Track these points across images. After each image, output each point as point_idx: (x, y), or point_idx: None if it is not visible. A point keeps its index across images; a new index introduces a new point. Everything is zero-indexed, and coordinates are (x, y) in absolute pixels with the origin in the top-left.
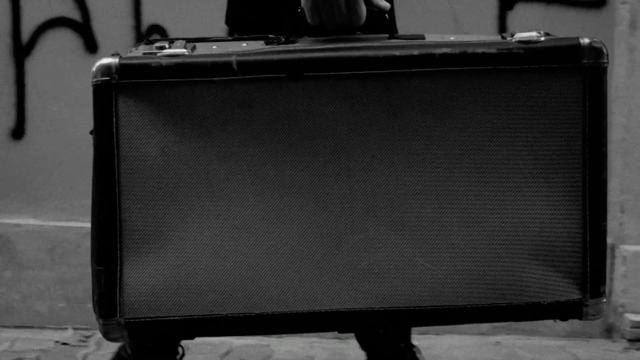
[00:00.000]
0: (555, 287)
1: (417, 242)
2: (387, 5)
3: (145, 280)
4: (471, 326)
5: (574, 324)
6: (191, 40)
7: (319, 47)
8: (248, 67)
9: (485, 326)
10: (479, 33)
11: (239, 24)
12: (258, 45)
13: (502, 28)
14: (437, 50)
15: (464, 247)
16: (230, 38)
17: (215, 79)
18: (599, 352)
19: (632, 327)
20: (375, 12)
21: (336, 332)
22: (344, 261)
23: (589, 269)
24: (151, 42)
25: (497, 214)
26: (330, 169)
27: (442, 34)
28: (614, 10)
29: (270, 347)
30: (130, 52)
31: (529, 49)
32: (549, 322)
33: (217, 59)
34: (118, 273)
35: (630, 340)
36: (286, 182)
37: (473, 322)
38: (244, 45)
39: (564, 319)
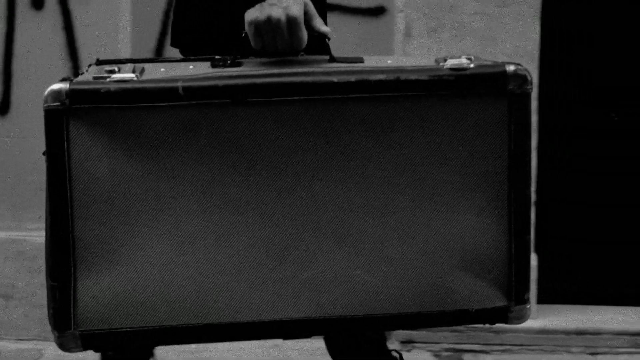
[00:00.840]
0: (482, 294)
1: (355, 254)
2: (327, 29)
3: (97, 294)
4: None
5: None
6: (140, 62)
7: (262, 72)
8: (193, 93)
9: None
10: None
11: (184, 44)
12: (204, 67)
13: None
14: (373, 77)
15: (398, 259)
16: (178, 59)
17: (162, 104)
18: None
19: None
20: (315, 36)
21: None
22: (287, 273)
23: (513, 278)
24: (102, 63)
25: (429, 228)
26: (273, 187)
27: (380, 57)
28: (392, 19)
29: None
30: (81, 73)
31: (459, 76)
32: None
33: (163, 85)
34: (72, 288)
35: (402, 342)
36: (231, 200)
37: (407, 328)
38: (190, 68)
39: (491, 323)
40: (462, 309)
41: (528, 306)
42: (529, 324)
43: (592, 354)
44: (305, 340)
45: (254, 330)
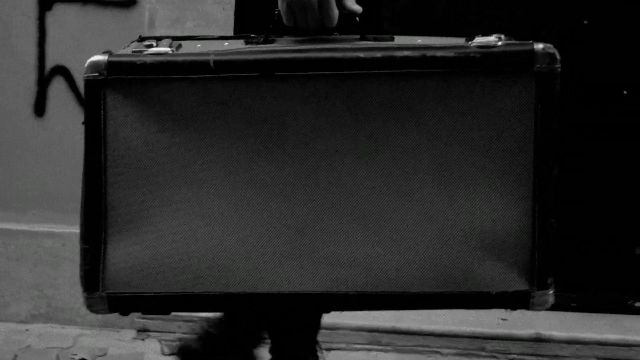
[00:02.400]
0: (504, 278)
1: (375, 233)
2: (358, 8)
3: (126, 258)
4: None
5: (107, 316)
6: (179, 39)
7: (291, 47)
8: (224, 66)
9: (24, 314)
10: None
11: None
12: (238, 44)
13: (43, 29)
14: (399, 53)
15: (418, 239)
16: (215, 37)
17: (193, 76)
18: (109, 342)
19: (139, 318)
20: (346, 14)
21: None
22: (306, 248)
23: (536, 262)
24: (142, 40)
25: (452, 208)
26: (297, 163)
27: (412, 36)
28: (142, 11)
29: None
30: (123, 49)
31: (485, 53)
32: (84, 312)
33: (195, 58)
34: (102, 251)
35: (138, 331)
36: (256, 174)
37: (425, 307)
38: (225, 44)
39: (513, 308)
40: (483, 291)
41: (551, 292)
42: None
43: (328, 349)
44: None
45: (273, 301)
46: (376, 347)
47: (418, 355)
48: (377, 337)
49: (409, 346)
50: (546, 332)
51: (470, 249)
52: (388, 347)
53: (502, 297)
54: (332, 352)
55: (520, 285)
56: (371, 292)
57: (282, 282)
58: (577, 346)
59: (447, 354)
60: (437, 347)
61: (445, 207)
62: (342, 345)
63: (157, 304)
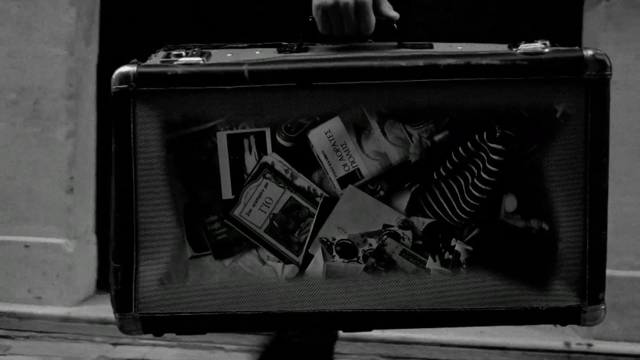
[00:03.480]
0: (554, 293)
1: None
2: (396, 14)
3: (159, 277)
4: None
5: None
6: (207, 48)
7: (328, 56)
8: (259, 76)
9: None
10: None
11: None
12: (271, 52)
13: None
14: (442, 62)
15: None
16: (245, 45)
17: (227, 87)
18: None
19: None
20: (384, 21)
21: None
22: (350, 263)
23: (588, 276)
24: (170, 49)
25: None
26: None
27: (451, 43)
28: None
29: None
30: (149, 58)
31: (533, 60)
32: None
33: (229, 68)
34: (134, 270)
35: None
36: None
37: (472, 325)
38: (257, 53)
39: (563, 324)
40: (532, 307)
41: (603, 307)
42: (54, 311)
43: (114, 344)
44: None
45: (314, 320)
46: (160, 342)
47: (201, 351)
48: None
49: (192, 342)
50: None
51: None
52: (173, 343)
53: (553, 312)
54: (118, 347)
55: (572, 300)
56: (416, 310)
57: (324, 299)
58: (359, 344)
59: (229, 350)
60: (221, 344)
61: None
62: (129, 340)
63: (193, 325)
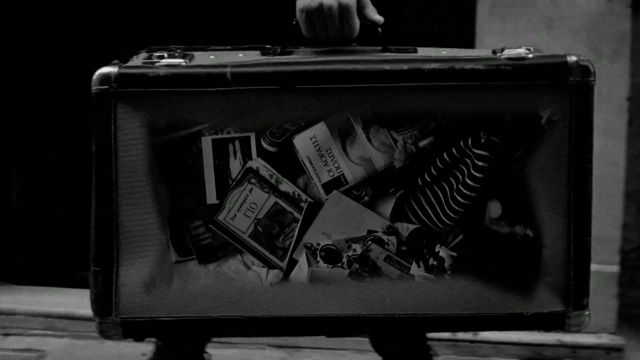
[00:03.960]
0: (539, 299)
1: None
2: (380, 18)
3: (140, 280)
4: None
5: None
6: (190, 50)
7: (312, 59)
8: (242, 79)
9: None
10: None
11: None
12: (254, 55)
13: None
14: (426, 66)
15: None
16: (228, 47)
17: (210, 89)
18: None
19: None
20: (368, 25)
21: None
22: (326, 275)
23: (572, 282)
24: (152, 51)
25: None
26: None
27: (436, 47)
28: None
29: None
30: (131, 60)
31: (516, 65)
32: None
33: (211, 70)
34: (114, 274)
35: None
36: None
37: (458, 330)
38: (240, 56)
39: (547, 329)
40: (517, 312)
41: (587, 312)
42: None
43: (5, 334)
44: None
45: (297, 326)
46: (50, 332)
47: (90, 340)
48: (52, 322)
49: (82, 332)
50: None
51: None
52: (64, 333)
53: (537, 318)
54: (10, 337)
55: (556, 306)
56: (400, 315)
57: (308, 304)
58: None
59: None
60: None
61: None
62: (19, 331)
63: (174, 329)
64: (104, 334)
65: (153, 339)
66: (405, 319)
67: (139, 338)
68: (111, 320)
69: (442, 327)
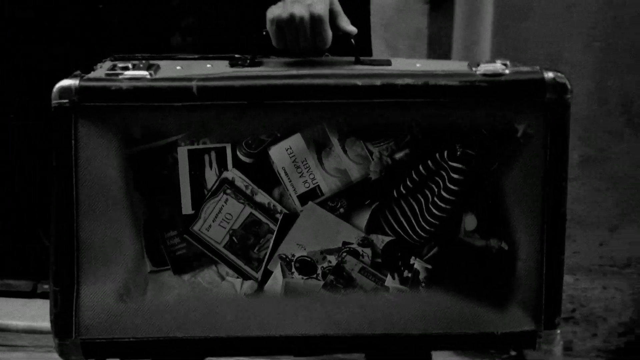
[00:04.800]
0: (510, 316)
1: None
2: (353, 29)
3: (101, 300)
4: None
5: None
6: (156, 58)
7: (281, 73)
8: (208, 93)
9: None
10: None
11: None
12: (223, 66)
13: None
14: (400, 81)
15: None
16: (195, 56)
17: (175, 104)
18: None
19: None
20: (340, 35)
21: None
22: (301, 287)
23: (544, 301)
24: (116, 60)
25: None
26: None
27: (409, 60)
28: None
29: None
30: (94, 69)
31: (492, 82)
32: None
33: (177, 84)
34: (74, 293)
35: None
36: None
37: (426, 349)
38: (208, 66)
39: (517, 349)
40: (487, 332)
41: (558, 331)
42: None
43: None
44: None
45: (264, 346)
46: None
47: None
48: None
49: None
50: None
51: (475, 287)
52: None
53: (508, 337)
54: None
55: (527, 325)
56: (370, 334)
57: (274, 324)
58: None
59: None
60: None
61: None
62: None
63: (136, 350)
64: (64, 355)
65: None
66: (375, 338)
67: (100, 359)
68: (71, 342)
69: (411, 346)
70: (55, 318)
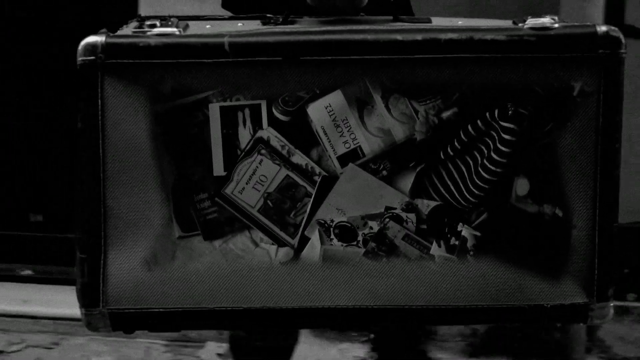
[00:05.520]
0: (562, 288)
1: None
2: None
3: (130, 269)
4: None
5: None
6: (184, 19)
7: (317, 29)
8: (241, 49)
9: None
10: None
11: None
12: (254, 25)
13: None
14: (443, 36)
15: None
16: (226, 17)
17: (206, 60)
18: None
19: None
20: None
21: None
22: (340, 255)
23: (596, 272)
24: (143, 20)
25: None
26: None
27: (450, 18)
28: None
29: None
30: (120, 29)
31: (541, 36)
32: None
33: (208, 40)
34: (102, 261)
35: None
36: None
37: (471, 323)
38: (239, 25)
39: (567, 322)
40: (536, 304)
41: (611, 304)
42: None
43: None
44: None
45: (299, 318)
46: None
47: None
48: None
49: None
50: None
51: (523, 257)
52: None
53: (557, 310)
54: None
55: (578, 297)
56: (412, 307)
57: (311, 295)
58: None
59: None
60: None
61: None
62: None
63: (166, 321)
64: (91, 326)
65: None
66: (418, 311)
67: (128, 330)
68: (99, 311)
69: (458, 319)
70: (82, 287)
